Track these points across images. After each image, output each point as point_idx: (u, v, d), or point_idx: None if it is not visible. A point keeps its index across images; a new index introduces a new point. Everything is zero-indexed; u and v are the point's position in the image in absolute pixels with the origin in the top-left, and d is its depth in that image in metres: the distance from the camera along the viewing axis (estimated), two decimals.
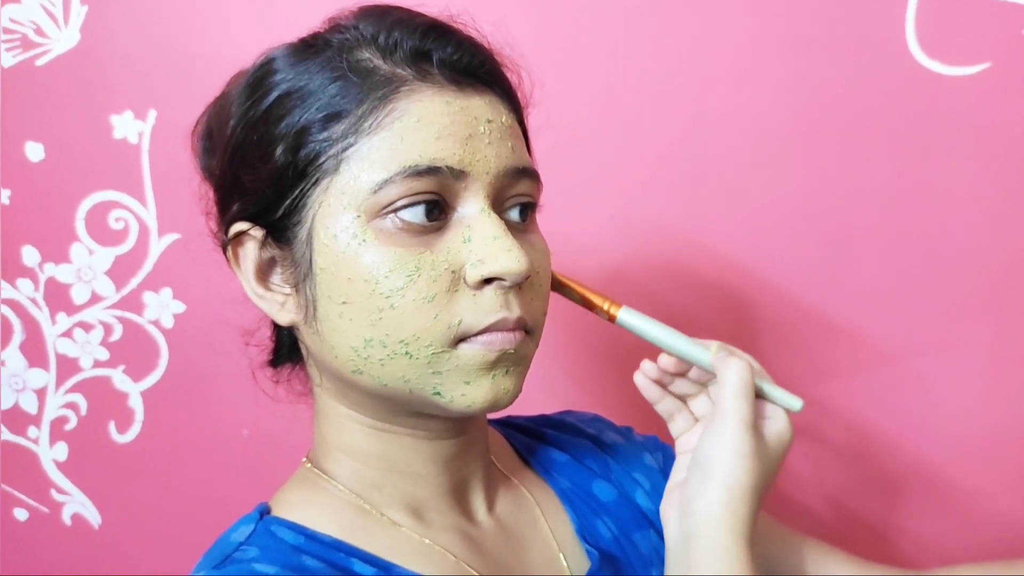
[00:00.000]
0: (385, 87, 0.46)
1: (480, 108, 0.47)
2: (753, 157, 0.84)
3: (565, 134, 0.83)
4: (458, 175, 0.46)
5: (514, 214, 0.49)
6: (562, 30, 0.83)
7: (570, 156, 0.85)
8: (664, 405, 0.58)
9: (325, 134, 0.46)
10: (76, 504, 0.99)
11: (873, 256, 0.85)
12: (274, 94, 0.47)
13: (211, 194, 0.54)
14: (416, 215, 0.45)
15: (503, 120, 0.48)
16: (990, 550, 0.88)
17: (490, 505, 0.57)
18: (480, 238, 0.46)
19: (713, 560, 0.47)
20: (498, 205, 0.48)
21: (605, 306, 0.55)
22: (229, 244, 0.50)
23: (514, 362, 0.48)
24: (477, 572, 0.52)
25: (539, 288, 0.50)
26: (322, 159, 0.46)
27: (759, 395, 0.54)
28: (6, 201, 0.92)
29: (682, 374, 0.57)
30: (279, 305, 0.50)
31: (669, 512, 0.51)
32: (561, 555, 0.57)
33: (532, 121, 0.55)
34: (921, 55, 0.80)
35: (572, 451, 0.64)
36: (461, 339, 0.46)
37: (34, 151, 0.91)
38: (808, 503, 0.90)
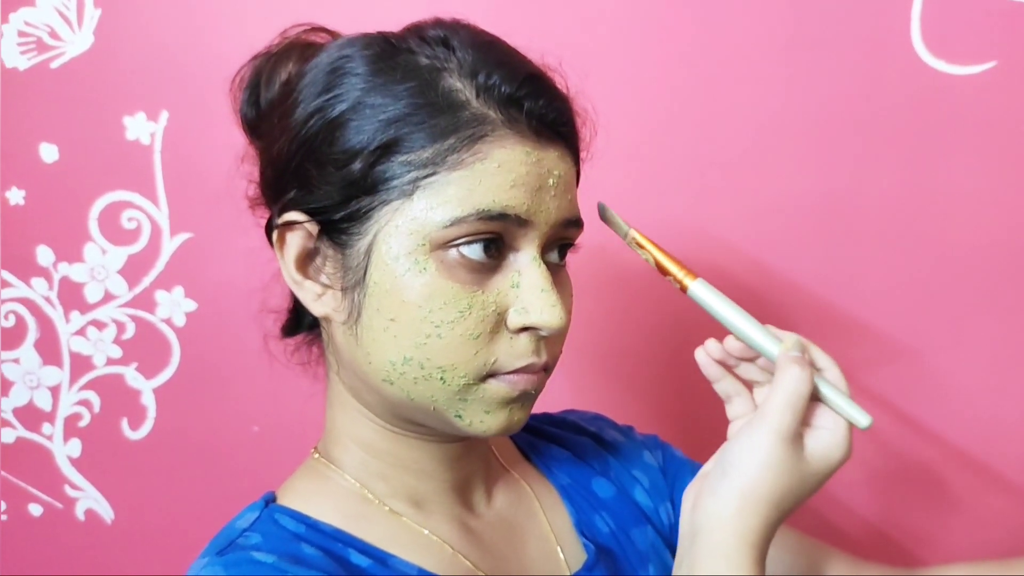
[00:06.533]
0: (474, 127, 0.46)
1: (552, 161, 0.49)
2: (760, 156, 0.84)
3: None
4: (522, 223, 0.47)
5: (554, 255, 0.51)
6: (571, 27, 0.84)
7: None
8: (723, 386, 0.54)
9: (406, 157, 0.46)
10: (89, 500, 1.00)
11: (880, 254, 0.85)
12: (354, 97, 0.47)
13: (256, 156, 0.53)
14: (476, 252, 0.47)
15: (567, 172, 0.50)
16: (999, 547, 0.87)
17: (490, 499, 0.58)
18: (528, 286, 0.48)
19: (714, 560, 0.46)
20: (545, 247, 0.50)
21: (680, 275, 0.52)
22: (277, 228, 0.50)
23: (531, 398, 0.51)
24: (473, 563, 0.53)
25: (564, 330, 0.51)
26: (398, 181, 0.46)
27: (821, 400, 0.50)
28: (21, 201, 0.93)
29: (750, 359, 0.53)
30: (316, 295, 0.50)
31: (687, 499, 0.50)
32: (558, 548, 0.58)
33: None
34: (927, 54, 0.80)
35: (573, 448, 0.65)
36: (491, 375, 0.49)
37: (48, 152, 0.92)
38: (811, 500, 0.90)
